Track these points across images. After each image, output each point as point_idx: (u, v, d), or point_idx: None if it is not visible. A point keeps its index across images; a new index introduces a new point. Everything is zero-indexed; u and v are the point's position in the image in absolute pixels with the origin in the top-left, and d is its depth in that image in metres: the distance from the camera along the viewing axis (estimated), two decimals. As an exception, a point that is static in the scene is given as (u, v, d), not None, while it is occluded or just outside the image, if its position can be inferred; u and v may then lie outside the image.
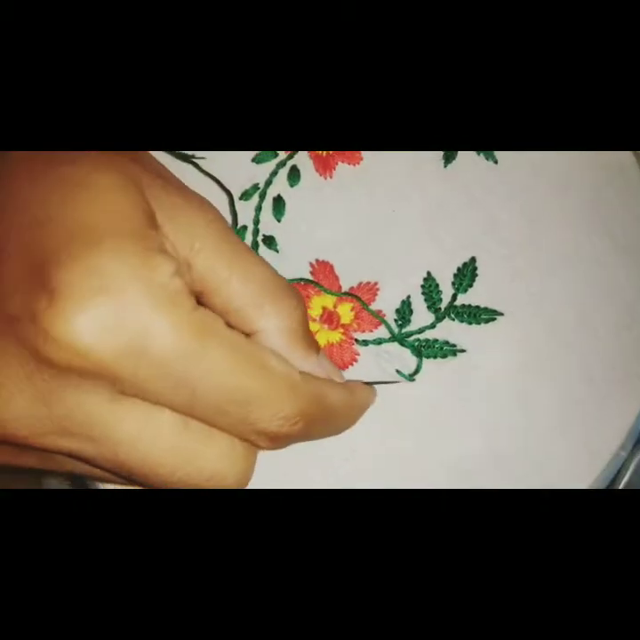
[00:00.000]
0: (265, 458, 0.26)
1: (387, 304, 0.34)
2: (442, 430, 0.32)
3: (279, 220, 0.34)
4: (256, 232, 0.34)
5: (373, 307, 0.33)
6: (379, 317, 0.33)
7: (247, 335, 0.25)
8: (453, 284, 0.34)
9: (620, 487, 0.32)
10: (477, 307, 0.33)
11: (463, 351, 0.33)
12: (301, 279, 0.33)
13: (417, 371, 0.33)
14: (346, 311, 0.33)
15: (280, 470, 0.31)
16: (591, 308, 0.34)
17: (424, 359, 0.33)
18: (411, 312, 0.33)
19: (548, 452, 0.33)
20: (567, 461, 0.33)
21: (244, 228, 0.34)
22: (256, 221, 0.34)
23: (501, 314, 0.33)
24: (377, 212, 0.35)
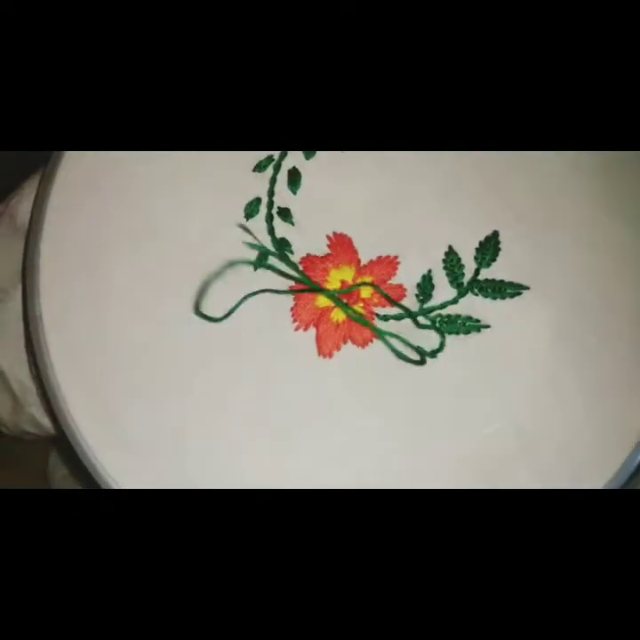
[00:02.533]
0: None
1: (408, 279, 0.32)
2: (466, 411, 0.31)
3: (294, 193, 0.33)
4: (270, 204, 0.33)
5: (394, 281, 0.32)
6: (391, 300, 0.32)
7: None
8: (476, 258, 0.32)
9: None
10: (502, 281, 0.32)
11: (487, 327, 0.32)
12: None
13: (440, 348, 0.31)
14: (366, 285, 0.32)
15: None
16: (614, 286, 0.33)
17: (446, 335, 0.32)
18: (432, 287, 0.32)
19: (575, 433, 0.31)
20: (594, 443, 0.31)
21: (258, 200, 0.33)
22: (270, 193, 0.33)
23: (527, 288, 0.32)
24: (394, 185, 0.33)
